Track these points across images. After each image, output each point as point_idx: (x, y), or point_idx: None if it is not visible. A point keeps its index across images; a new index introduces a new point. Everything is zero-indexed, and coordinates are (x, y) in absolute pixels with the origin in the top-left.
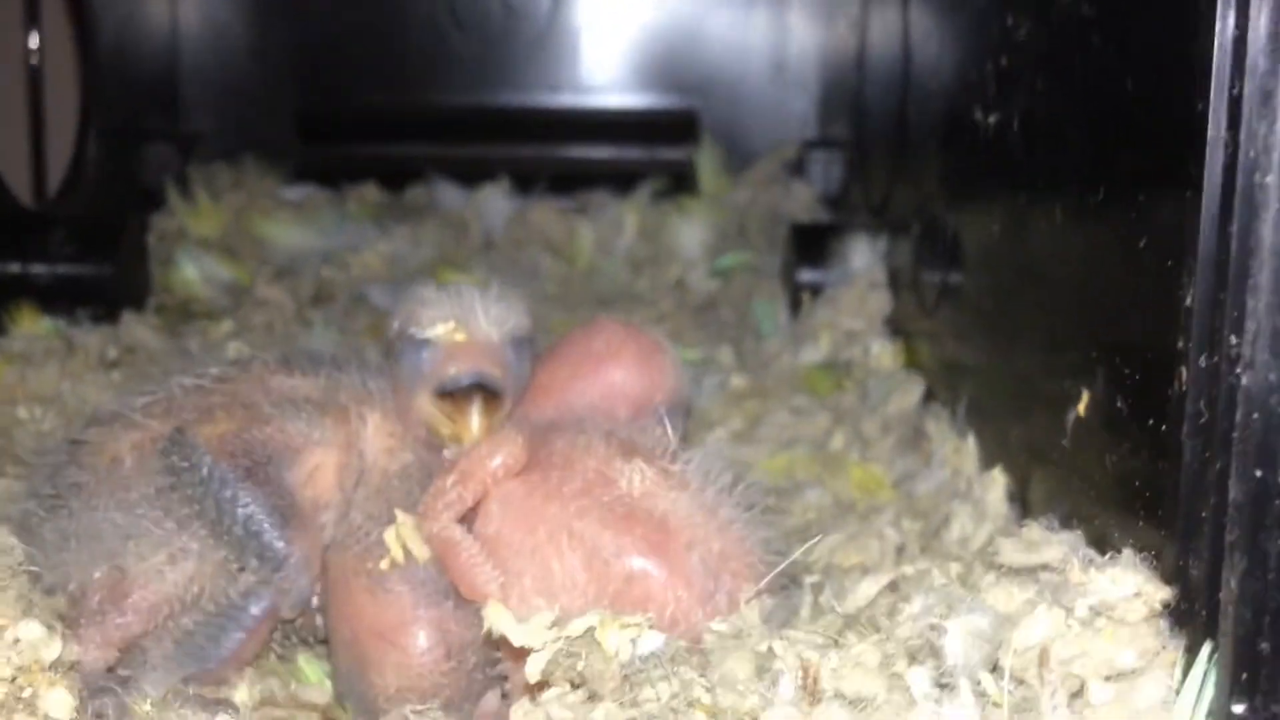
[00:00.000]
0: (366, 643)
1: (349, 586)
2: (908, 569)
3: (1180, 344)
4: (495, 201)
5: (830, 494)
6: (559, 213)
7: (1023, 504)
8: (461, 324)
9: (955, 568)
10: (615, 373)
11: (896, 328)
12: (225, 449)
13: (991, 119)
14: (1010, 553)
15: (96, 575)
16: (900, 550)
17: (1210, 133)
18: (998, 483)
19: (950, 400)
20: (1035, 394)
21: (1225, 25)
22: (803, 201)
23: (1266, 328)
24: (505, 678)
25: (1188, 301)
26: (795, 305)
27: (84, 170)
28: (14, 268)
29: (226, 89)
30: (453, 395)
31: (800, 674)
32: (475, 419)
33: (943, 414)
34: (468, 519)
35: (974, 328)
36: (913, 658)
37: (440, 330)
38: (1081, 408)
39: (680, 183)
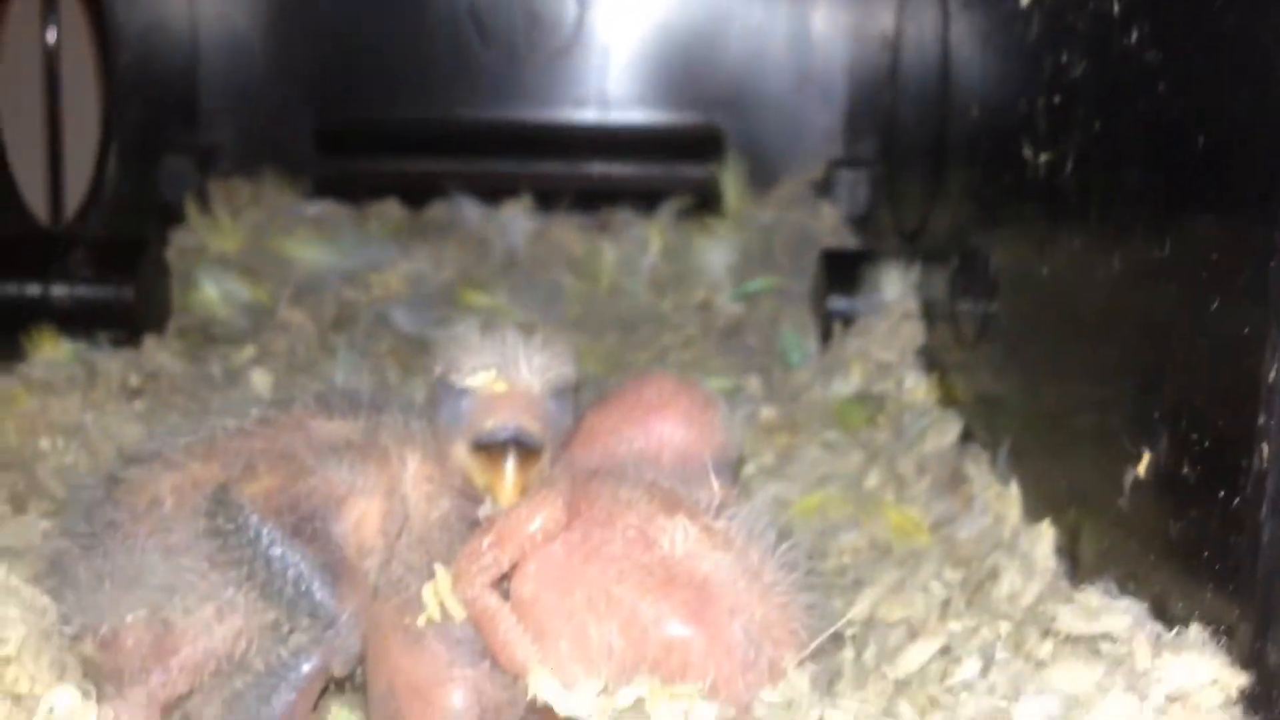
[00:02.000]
0: (402, 698)
1: (386, 640)
2: (954, 625)
3: (1261, 420)
4: (517, 219)
5: (866, 536)
6: (581, 231)
7: (1072, 559)
8: (503, 374)
9: (1005, 626)
10: (664, 424)
11: (931, 360)
12: (270, 506)
13: (1042, 157)
14: (1069, 620)
15: (130, 620)
16: (945, 605)
17: None
18: (1046, 536)
19: (990, 441)
20: (1087, 446)
21: None
22: (829, 223)
23: None
24: None
25: (1271, 377)
26: (825, 334)
27: (103, 188)
28: (34, 290)
29: (245, 101)
30: (489, 449)
31: None
32: (510, 476)
33: (982, 456)
34: (506, 577)
35: (1017, 367)
36: None
37: (481, 379)
38: (1141, 468)
39: (704, 201)
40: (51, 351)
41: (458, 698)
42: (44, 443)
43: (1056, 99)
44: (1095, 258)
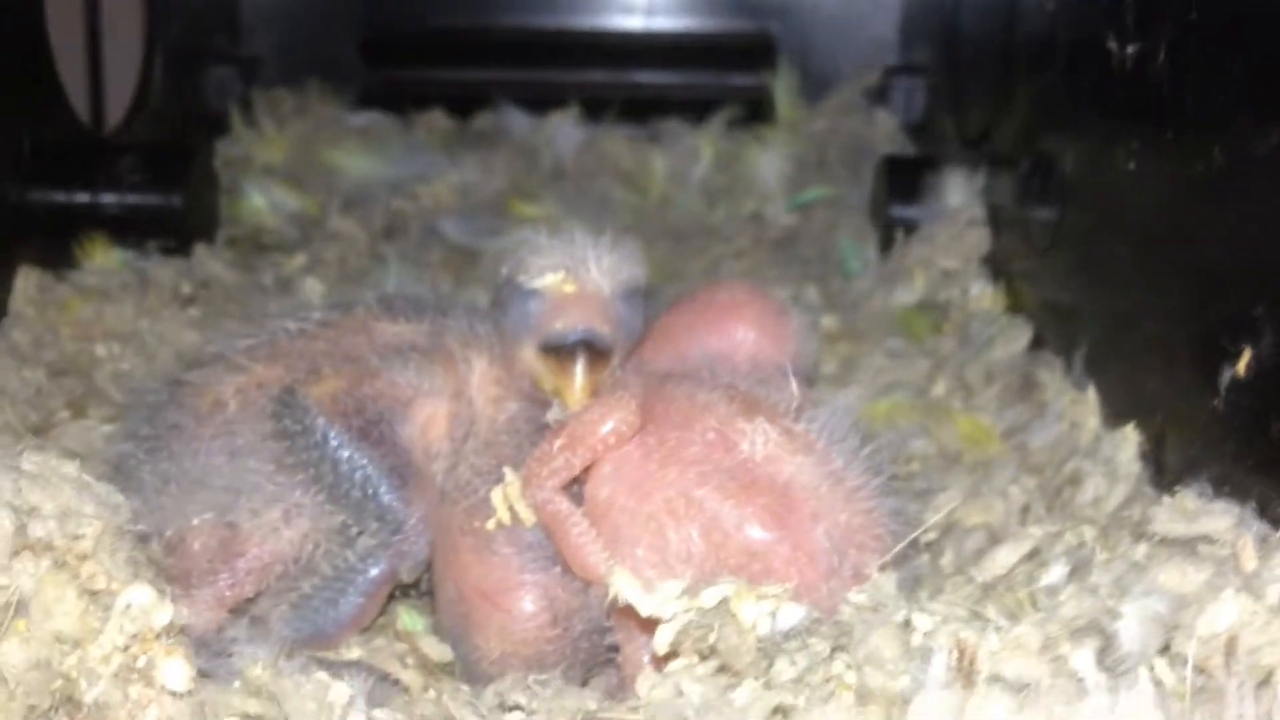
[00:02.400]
0: (471, 602)
1: (455, 544)
2: (1036, 530)
3: None
4: (565, 129)
5: (935, 444)
6: (631, 142)
7: (1157, 464)
8: (572, 275)
9: (1089, 531)
10: (739, 327)
11: (997, 268)
12: (337, 408)
13: (1130, 49)
14: (1164, 522)
15: (196, 523)
16: (1025, 510)
17: None
18: (1130, 440)
19: (1064, 348)
20: (1176, 347)
21: None
22: (885, 131)
23: None
24: (616, 649)
25: None
26: (885, 243)
27: (149, 97)
28: (83, 197)
29: (288, 10)
30: (558, 351)
31: (954, 654)
32: (580, 378)
33: (1055, 363)
34: (579, 479)
35: (1093, 271)
36: (1075, 640)
37: (549, 280)
38: (1241, 366)
39: (756, 110)
40: (103, 259)
41: (528, 603)
42: (100, 349)
43: None
44: (1190, 152)
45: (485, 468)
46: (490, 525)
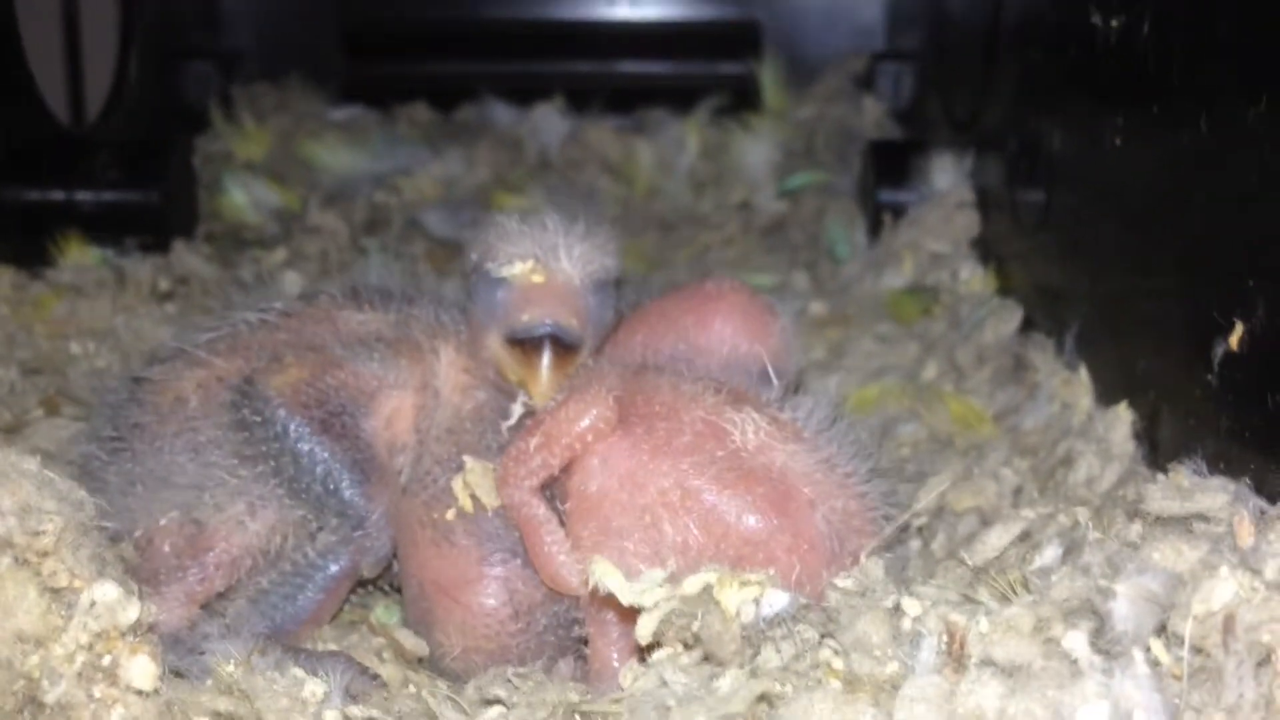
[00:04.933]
0: (433, 597)
1: (416, 537)
2: (1028, 512)
3: None
4: (550, 120)
5: (926, 428)
6: (616, 132)
7: (1151, 443)
8: (541, 264)
9: (1083, 512)
10: (718, 319)
11: (987, 251)
12: (298, 399)
13: (1114, 22)
14: (1158, 500)
15: (163, 522)
16: (1017, 492)
17: None
18: (1123, 419)
19: (1055, 329)
20: (1167, 325)
21: None
22: (872, 117)
23: None
24: (582, 642)
25: None
26: (874, 227)
27: (125, 92)
28: (58, 194)
29: (269, 4)
30: (524, 343)
31: (944, 638)
32: (545, 372)
33: (1046, 344)
34: (557, 477)
35: (1082, 251)
36: (1068, 621)
37: (518, 269)
38: (1234, 340)
39: (742, 98)
40: (79, 257)
41: (488, 597)
42: (75, 346)
43: None
44: (1178, 124)
45: (446, 456)
46: (450, 515)
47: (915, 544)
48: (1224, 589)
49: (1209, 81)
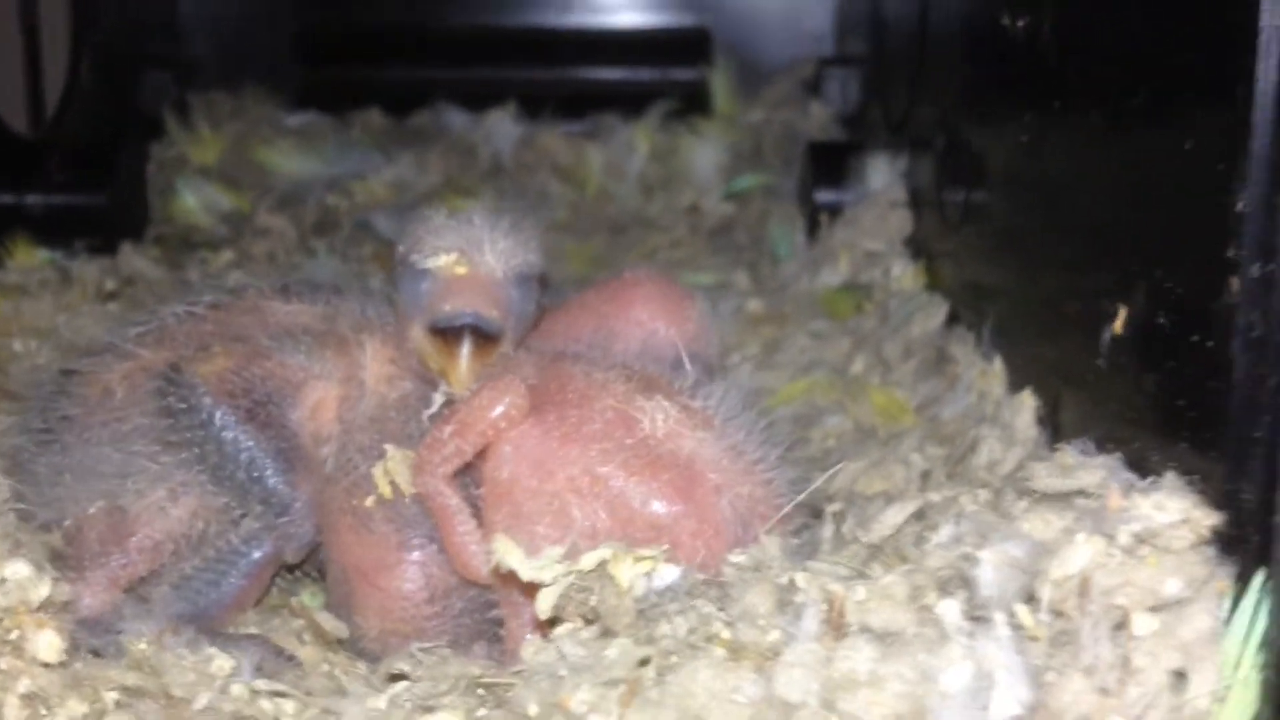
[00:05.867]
0: (353, 581)
1: (337, 523)
2: (933, 495)
3: (1231, 252)
4: (503, 125)
5: (851, 420)
6: (568, 137)
7: (1054, 428)
8: (465, 256)
9: (984, 494)
10: (634, 308)
11: (918, 248)
12: (224, 388)
13: (1020, 23)
14: (1043, 478)
15: (91, 511)
16: (925, 476)
17: (1264, 21)
18: (1027, 406)
19: (975, 322)
20: (1066, 313)
21: None
22: (819, 121)
23: None
24: (498, 624)
25: (1239, 206)
26: (813, 227)
27: (78, 97)
28: (7, 199)
29: (225, 11)
30: (445, 333)
31: (824, 607)
32: (464, 361)
33: (968, 336)
34: (469, 465)
35: (1000, 246)
36: (943, 589)
37: (442, 261)
38: (1118, 325)
39: (693, 103)
40: (27, 259)
41: (405, 581)
42: (17, 345)
43: None
44: (1073, 119)
45: (369, 445)
46: (369, 502)
47: (829, 529)
48: (1080, 554)
49: (1098, 77)
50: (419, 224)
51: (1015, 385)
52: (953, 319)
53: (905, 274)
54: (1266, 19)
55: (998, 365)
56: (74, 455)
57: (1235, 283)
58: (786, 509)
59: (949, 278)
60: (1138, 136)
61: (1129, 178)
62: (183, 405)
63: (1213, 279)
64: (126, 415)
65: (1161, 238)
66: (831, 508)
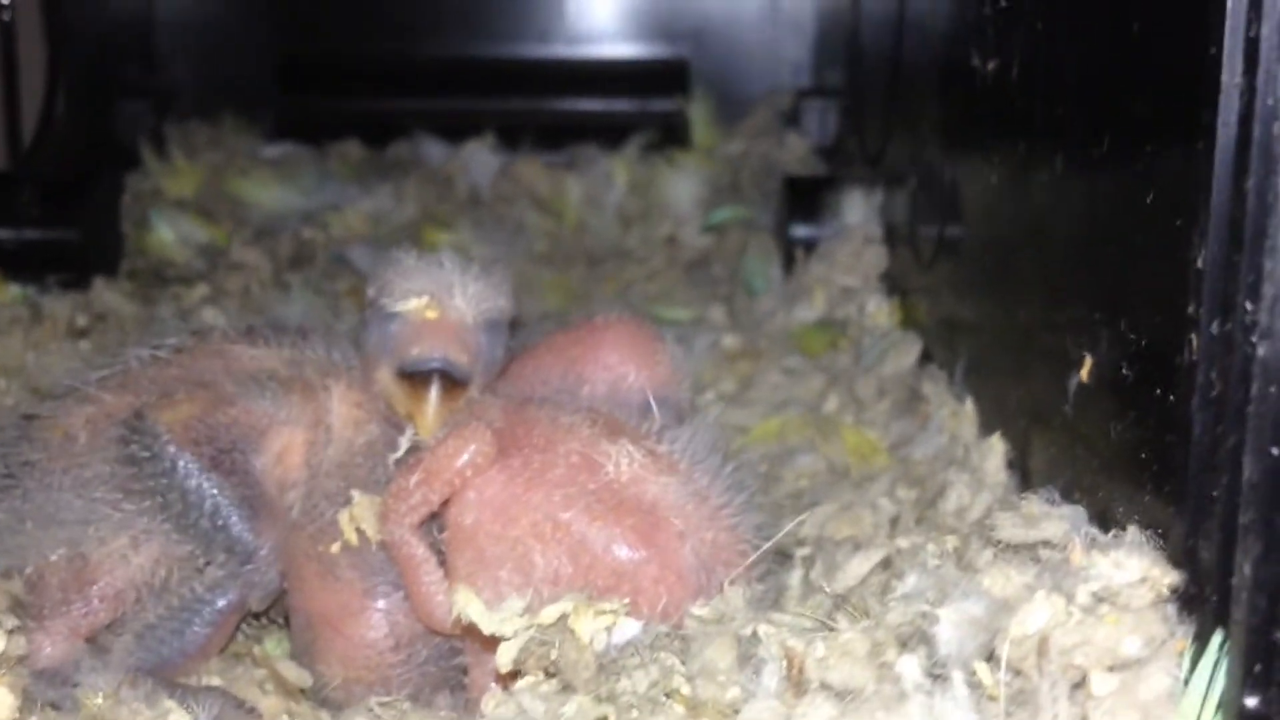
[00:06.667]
0: (317, 628)
1: (302, 570)
2: (901, 543)
3: (1190, 309)
4: (481, 156)
5: (823, 459)
6: (547, 168)
7: (1023, 472)
8: (435, 300)
9: (951, 541)
10: (602, 352)
11: (893, 284)
12: (188, 435)
13: (990, 64)
14: (1008, 528)
15: (53, 559)
16: (894, 522)
17: (1225, 78)
18: (996, 450)
19: (948, 361)
20: (1036, 355)
21: None
22: (797, 153)
23: None
24: (463, 671)
25: (1199, 263)
26: (789, 262)
27: (52, 130)
28: None
29: (203, 40)
30: (413, 377)
31: (784, 663)
32: (433, 406)
33: (940, 376)
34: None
35: (972, 284)
36: (904, 645)
37: (412, 305)
38: (1084, 372)
39: (671, 135)
40: None
41: (369, 629)
42: None
43: (1003, 1)
44: (1039, 162)
45: (335, 490)
46: (334, 549)
47: (798, 574)
48: (1040, 612)
49: (1062, 121)
50: (389, 266)
51: (986, 427)
52: (926, 357)
53: (880, 310)
54: (1227, 77)
55: (969, 406)
56: (35, 501)
57: (1194, 340)
58: (753, 558)
59: (922, 315)
60: (1101, 183)
61: (1093, 224)
62: (146, 453)
63: (1173, 333)
64: (89, 461)
65: (1124, 288)
66: (801, 552)
